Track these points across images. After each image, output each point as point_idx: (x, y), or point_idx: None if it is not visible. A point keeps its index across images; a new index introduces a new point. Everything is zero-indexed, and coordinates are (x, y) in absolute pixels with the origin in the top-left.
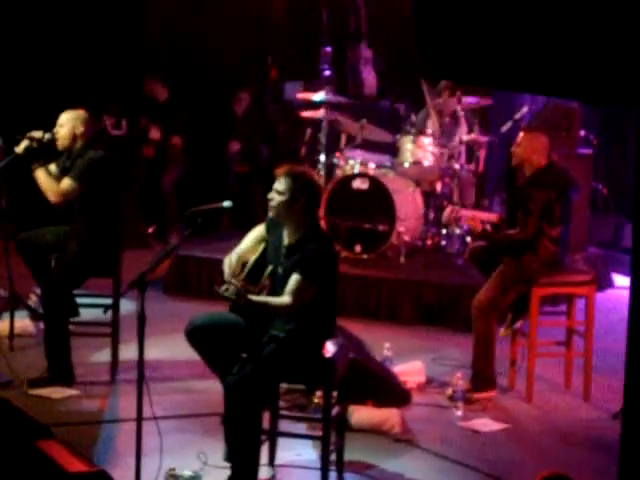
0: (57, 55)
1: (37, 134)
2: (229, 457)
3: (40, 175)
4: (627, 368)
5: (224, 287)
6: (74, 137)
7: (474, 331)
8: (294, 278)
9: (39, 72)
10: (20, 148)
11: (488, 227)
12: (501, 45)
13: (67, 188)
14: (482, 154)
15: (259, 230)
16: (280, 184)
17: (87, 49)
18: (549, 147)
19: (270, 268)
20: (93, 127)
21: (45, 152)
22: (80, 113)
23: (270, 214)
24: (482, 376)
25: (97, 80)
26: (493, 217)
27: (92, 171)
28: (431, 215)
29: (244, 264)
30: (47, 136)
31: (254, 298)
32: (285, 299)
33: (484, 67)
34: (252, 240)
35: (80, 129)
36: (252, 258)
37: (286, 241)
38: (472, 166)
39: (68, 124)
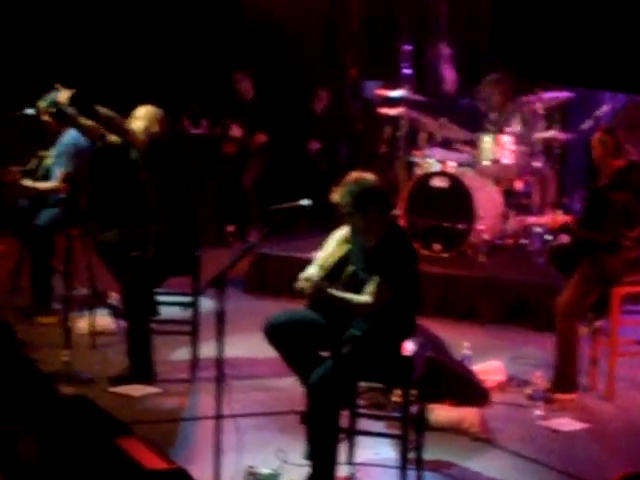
0: (145, 52)
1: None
2: (308, 455)
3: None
4: None
5: (301, 281)
6: (146, 134)
7: (557, 332)
8: (374, 280)
9: (125, 67)
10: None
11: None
12: (579, 43)
13: (135, 129)
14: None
15: (344, 231)
16: (344, 206)
17: (176, 50)
18: (623, 146)
19: (351, 269)
20: (165, 128)
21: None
22: (159, 112)
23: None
24: (564, 377)
25: (179, 79)
26: (567, 219)
27: (159, 146)
28: (512, 215)
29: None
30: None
31: (334, 292)
32: (364, 298)
33: (562, 65)
34: (336, 242)
35: (155, 128)
36: (335, 257)
37: (366, 244)
38: (552, 164)
39: (145, 120)
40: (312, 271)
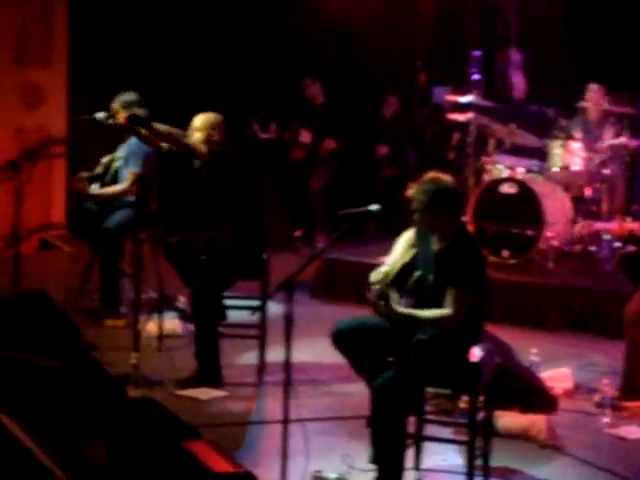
0: (216, 56)
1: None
2: (374, 460)
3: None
4: None
5: (372, 297)
6: (206, 145)
7: (626, 340)
8: (451, 290)
9: (195, 71)
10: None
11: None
12: None
13: (195, 141)
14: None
15: (408, 236)
16: (417, 202)
17: (244, 53)
18: None
19: (418, 274)
20: (224, 135)
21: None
22: (216, 119)
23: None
24: (632, 385)
25: (249, 83)
26: (635, 226)
27: (221, 155)
28: (579, 220)
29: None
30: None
31: (401, 310)
32: (446, 310)
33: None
34: (401, 247)
35: (214, 136)
36: (399, 263)
37: (435, 247)
38: (621, 171)
39: (203, 130)
40: (380, 277)
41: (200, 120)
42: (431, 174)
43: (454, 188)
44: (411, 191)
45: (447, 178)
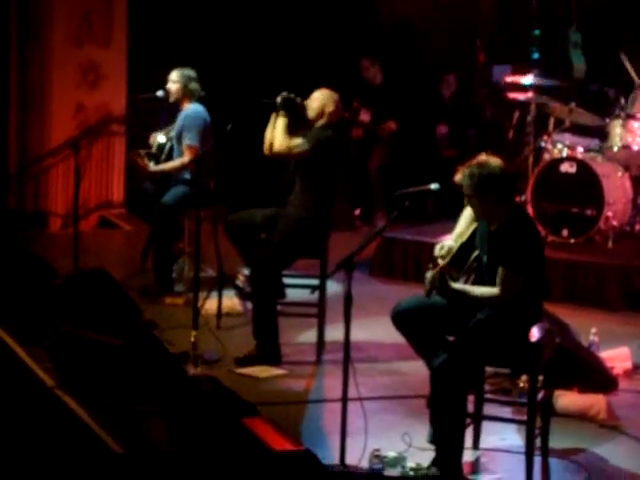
0: (277, 37)
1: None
2: (433, 439)
3: (281, 122)
4: None
5: (428, 273)
6: (322, 113)
7: None
8: (500, 270)
9: (253, 51)
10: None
11: None
12: None
13: (296, 145)
14: None
15: (470, 211)
16: (464, 187)
17: (304, 33)
18: None
19: (476, 253)
20: (341, 112)
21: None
22: (334, 94)
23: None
24: None
25: (307, 62)
26: None
27: (325, 146)
28: None
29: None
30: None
31: (455, 286)
32: (494, 290)
33: None
34: (465, 222)
35: (330, 108)
36: (460, 241)
37: (490, 227)
38: None
39: (320, 100)
40: (443, 252)
41: (320, 92)
42: (480, 157)
43: (501, 171)
44: (458, 176)
45: (495, 161)
